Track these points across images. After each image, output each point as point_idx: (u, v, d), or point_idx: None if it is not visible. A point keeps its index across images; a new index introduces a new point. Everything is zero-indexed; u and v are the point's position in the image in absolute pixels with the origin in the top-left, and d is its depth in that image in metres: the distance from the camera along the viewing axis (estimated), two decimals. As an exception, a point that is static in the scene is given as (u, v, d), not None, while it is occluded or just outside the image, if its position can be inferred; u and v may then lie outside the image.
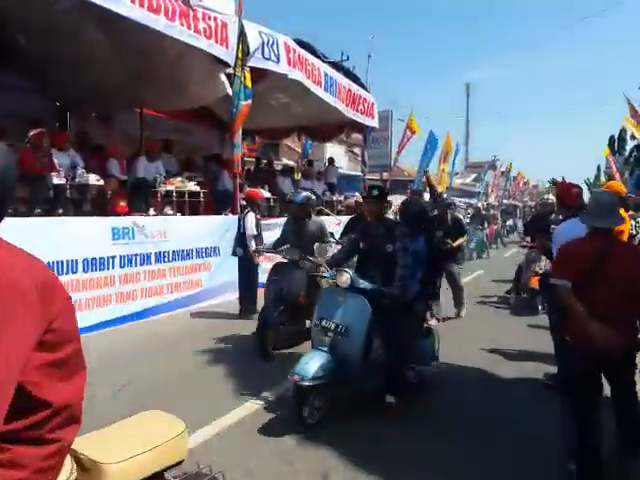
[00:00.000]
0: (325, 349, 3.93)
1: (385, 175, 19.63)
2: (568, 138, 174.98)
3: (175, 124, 12.18)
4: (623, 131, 40.32)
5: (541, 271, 7.81)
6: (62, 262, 6.15)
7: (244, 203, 8.39)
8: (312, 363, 3.77)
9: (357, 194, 16.29)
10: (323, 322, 4.03)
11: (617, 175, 22.30)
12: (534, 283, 7.90)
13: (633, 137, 16.61)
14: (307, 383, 3.67)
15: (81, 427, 1.37)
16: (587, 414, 3.08)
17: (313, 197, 6.04)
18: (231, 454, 3.41)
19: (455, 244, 7.37)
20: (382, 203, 4.28)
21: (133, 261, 7.10)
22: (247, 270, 7.33)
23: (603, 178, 48.00)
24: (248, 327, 6.23)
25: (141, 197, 8.07)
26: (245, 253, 7.23)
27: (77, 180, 7.39)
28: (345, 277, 4.00)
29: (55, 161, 7.28)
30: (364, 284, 4.03)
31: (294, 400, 3.79)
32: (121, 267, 6.90)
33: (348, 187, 16.57)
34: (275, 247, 6.10)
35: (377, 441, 3.66)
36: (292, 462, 3.34)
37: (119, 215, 7.38)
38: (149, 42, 7.55)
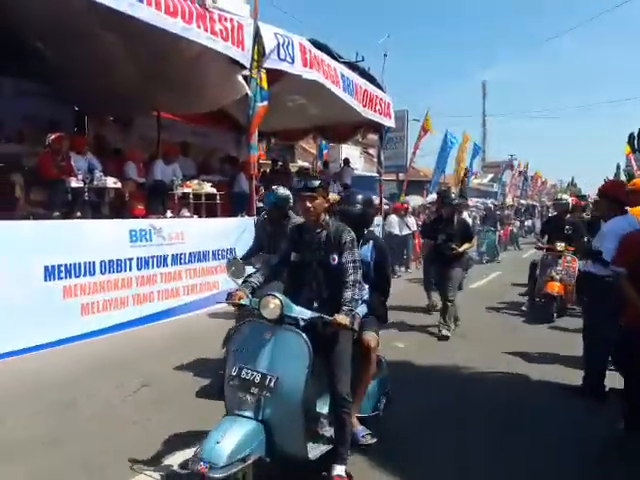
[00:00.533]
0: (249, 414, 2.71)
1: (401, 176, 19.53)
2: (587, 137, 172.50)
3: (191, 127, 12.25)
4: (644, 128, 39.73)
5: (558, 276, 7.49)
6: (80, 264, 6.19)
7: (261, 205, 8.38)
8: (226, 440, 2.50)
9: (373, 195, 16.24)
10: (243, 373, 2.75)
11: (638, 173, 21.95)
12: (550, 288, 7.50)
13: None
14: (219, 475, 2.39)
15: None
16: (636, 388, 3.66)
17: (289, 193, 4.91)
18: None
19: (461, 249, 6.67)
20: (323, 199, 3.15)
21: (150, 263, 7.11)
22: None
23: (623, 177, 47.26)
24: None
25: (158, 200, 8.10)
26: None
27: (95, 183, 7.44)
28: (273, 304, 2.81)
29: (73, 164, 7.34)
30: (300, 312, 2.88)
31: None
32: (138, 269, 6.93)
33: (363, 188, 16.44)
34: (246, 257, 4.92)
35: None
36: None
37: (137, 217, 7.41)
38: (165, 45, 7.57)
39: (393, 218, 12.97)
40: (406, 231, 12.82)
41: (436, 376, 5.09)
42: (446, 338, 6.49)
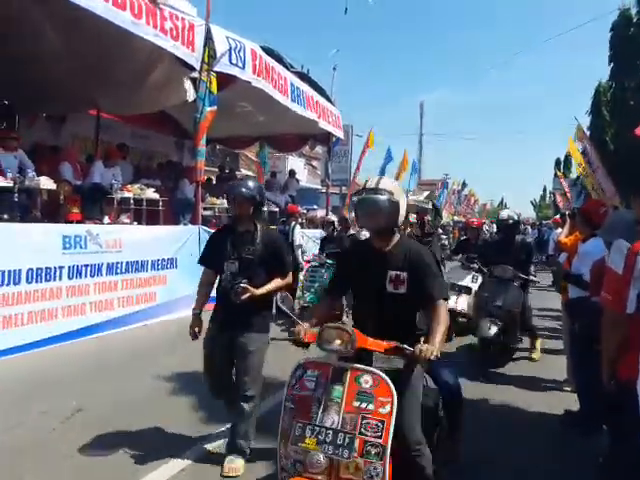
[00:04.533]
0: None
1: (344, 189, 19.60)
2: (516, 160, 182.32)
3: (131, 129, 11.72)
4: (569, 154, 42.21)
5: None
6: (3, 272, 5.63)
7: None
8: None
9: (316, 207, 16.15)
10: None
11: (568, 194, 23.38)
12: None
13: (580, 163, 17.20)
14: None
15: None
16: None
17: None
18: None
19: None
20: None
21: (83, 272, 6.61)
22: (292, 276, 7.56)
23: (548, 199, 50.01)
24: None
25: (96, 204, 7.56)
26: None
27: (26, 184, 6.80)
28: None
29: (1, 162, 6.70)
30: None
31: None
32: (69, 278, 6.41)
33: (308, 200, 16.37)
34: None
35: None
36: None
37: (71, 222, 6.87)
38: (109, 40, 7.14)
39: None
40: None
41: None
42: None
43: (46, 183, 6.94)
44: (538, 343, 6.44)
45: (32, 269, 5.94)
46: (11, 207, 6.53)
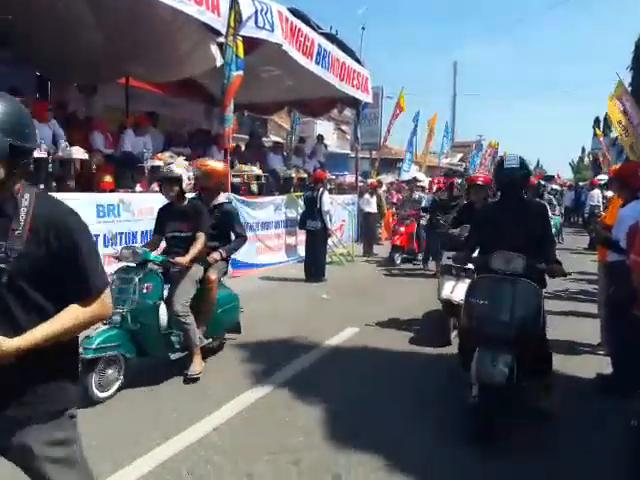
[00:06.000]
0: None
1: (374, 153, 19.35)
2: (552, 120, 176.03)
3: (161, 97, 11.74)
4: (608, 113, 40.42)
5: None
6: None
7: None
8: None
9: (346, 172, 16.04)
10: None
11: (608, 154, 22.49)
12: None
13: (620, 121, 16.39)
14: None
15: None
16: None
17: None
18: (230, 452, 3.19)
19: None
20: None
21: (117, 240, 6.78)
22: (321, 242, 8.53)
23: (587, 159, 48.28)
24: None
25: (128, 172, 7.68)
26: (321, 227, 8.40)
27: (60, 154, 6.95)
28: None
29: (36, 133, 6.85)
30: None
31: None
32: (105, 246, 6.59)
33: (337, 166, 16.24)
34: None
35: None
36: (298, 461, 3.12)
37: (104, 191, 7.02)
38: (135, 9, 7.15)
39: (367, 196, 12.86)
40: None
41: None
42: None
43: (78, 153, 7.06)
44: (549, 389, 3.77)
45: (69, 237, 6.15)
46: (46, 177, 6.71)
